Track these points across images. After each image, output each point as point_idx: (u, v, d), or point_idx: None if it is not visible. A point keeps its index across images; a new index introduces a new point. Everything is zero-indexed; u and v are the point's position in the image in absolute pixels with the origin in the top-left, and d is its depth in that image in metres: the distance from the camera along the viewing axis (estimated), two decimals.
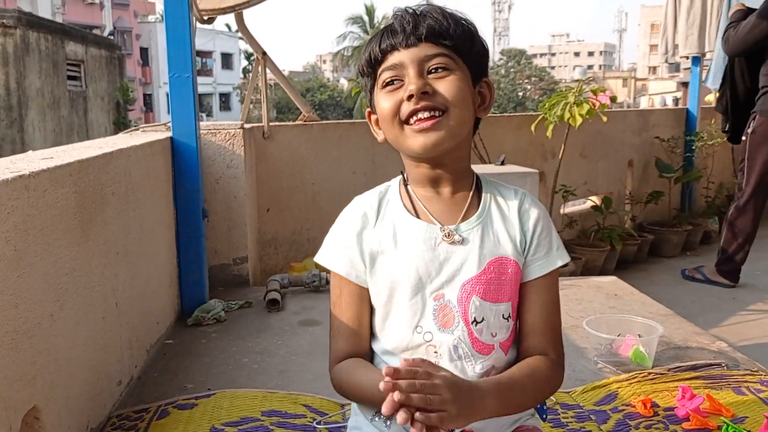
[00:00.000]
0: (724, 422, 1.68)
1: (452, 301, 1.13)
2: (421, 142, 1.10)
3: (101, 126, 15.02)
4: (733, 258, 4.34)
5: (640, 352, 2.07)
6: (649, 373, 1.98)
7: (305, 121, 3.73)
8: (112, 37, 24.22)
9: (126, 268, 2.00)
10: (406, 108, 1.09)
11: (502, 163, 3.43)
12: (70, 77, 14.26)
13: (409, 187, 1.20)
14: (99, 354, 1.78)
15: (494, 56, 51.95)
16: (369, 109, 1.22)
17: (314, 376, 2.11)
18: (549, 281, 1.19)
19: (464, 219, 1.16)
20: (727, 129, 4.61)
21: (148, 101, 34.67)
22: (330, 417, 1.78)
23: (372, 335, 1.22)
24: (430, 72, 1.10)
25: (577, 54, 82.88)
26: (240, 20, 3.40)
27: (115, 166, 1.91)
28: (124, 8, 33.28)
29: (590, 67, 74.95)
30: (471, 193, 1.19)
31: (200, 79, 40.42)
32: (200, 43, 37.18)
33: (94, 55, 15.36)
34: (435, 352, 1.13)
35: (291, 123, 3.91)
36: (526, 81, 45.31)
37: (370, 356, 1.22)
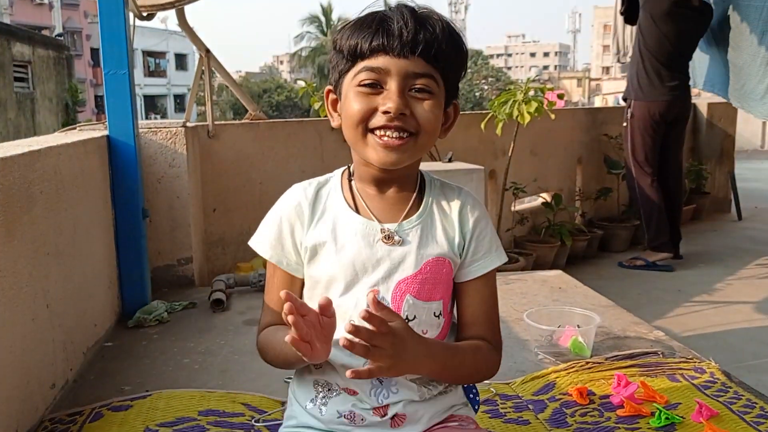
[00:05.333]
0: (657, 408, 1.71)
1: (386, 298, 1.13)
2: (381, 157, 1.08)
3: (50, 128, 14.67)
4: (657, 231, 4.74)
5: (578, 342, 2.10)
6: (587, 363, 2.01)
7: (252, 119, 3.69)
8: (61, 38, 23.64)
9: (58, 269, 1.95)
10: (378, 121, 1.06)
11: (450, 160, 3.45)
12: (17, 78, 13.91)
13: (353, 182, 1.19)
14: (29, 357, 1.72)
15: None
16: (330, 87, 1.16)
17: (256, 375, 2.08)
18: (487, 279, 1.21)
19: (405, 218, 1.16)
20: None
21: (99, 102, 33.88)
22: (269, 415, 1.76)
23: None
24: (411, 89, 1.06)
25: (533, 54, 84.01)
26: (182, 17, 3.35)
27: (44, 164, 1.86)
28: (73, 8, 32.52)
29: (546, 67, 76.11)
30: (414, 194, 1.18)
31: (154, 81, 39.88)
32: (153, 44, 36.62)
33: (42, 55, 15.01)
34: None
35: (237, 122, 3.86)
36: (483, 81, 45.72)
37: None
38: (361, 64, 1.07)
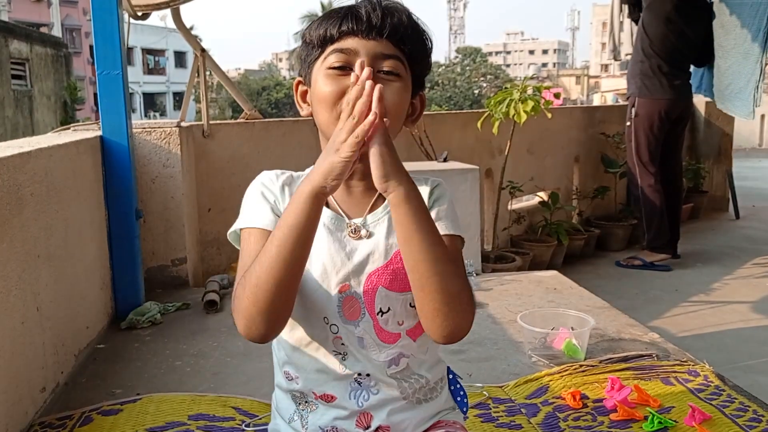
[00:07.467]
0: (651, 413, 1.70)
1: (358, 292, 1.11)
2: None
3: (48, 126, 14.64)
4: (657, 232, 4.71)
5: (572, 344, 2.09)
6: (581, 366, 2.00)
7: (247, 119, 3.68)
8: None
9: (49, 271, 1.93)
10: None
11: (445, 160, 3.43)
12: (14, 76, 13.88)
13: None
14: (18, 360, 1.71)
15: (450, 54, 52.30)
16: (300, 79, 1.17)
17: (248, 378, 2.07)
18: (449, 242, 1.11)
19: (371, 211, 1.14)
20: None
21: None
22: (260, 419, 1.75)
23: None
24: (379, 71, 1.08)
25: (531, 52, 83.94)
26: (177, 16, 3.33)
27: (34, 165, 1.85)
28: (72, 5, 32.47)
29: (545, 65, 76.04)
30: None
31: (153, 78, 39.80)
32: (152, 41, 36.54)
33: (40, 53, 14.96)
34: (342, 344, 1.12)
35: (232, 121, 3.84)
36: (482, 79, 45.70)
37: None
38: (330, 48, 1.09)
